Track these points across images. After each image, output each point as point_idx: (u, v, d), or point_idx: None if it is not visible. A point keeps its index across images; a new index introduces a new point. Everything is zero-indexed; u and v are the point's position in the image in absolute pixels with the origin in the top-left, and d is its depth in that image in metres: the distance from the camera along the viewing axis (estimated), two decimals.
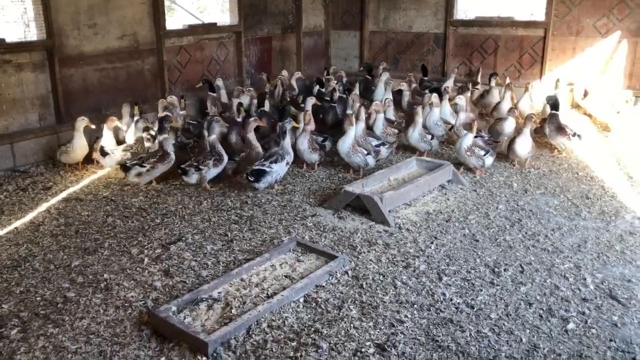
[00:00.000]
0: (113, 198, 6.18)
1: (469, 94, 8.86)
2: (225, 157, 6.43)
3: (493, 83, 9.35)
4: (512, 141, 7.01)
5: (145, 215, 5.74)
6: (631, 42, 9.64)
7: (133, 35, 8.49)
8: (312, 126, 6.95)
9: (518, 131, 7.09)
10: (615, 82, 9.81)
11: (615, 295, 4.24)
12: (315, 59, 12.29)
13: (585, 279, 4.47)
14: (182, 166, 6.29)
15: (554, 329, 3.85)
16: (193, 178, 6.31)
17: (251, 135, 6.59)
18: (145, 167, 6.28)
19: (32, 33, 7.47)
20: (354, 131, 6.61)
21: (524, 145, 6.87)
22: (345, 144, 6.58)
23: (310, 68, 11.88)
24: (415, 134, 7.26)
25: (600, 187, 6.42)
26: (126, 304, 4.15)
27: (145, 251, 4.96)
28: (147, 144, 6.90)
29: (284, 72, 10.22)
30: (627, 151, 7.54)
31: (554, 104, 7.50)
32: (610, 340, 3.72)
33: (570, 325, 3.88)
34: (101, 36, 8.02)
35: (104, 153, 6.75)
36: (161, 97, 8.95)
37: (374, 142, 7.01)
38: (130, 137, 7.20)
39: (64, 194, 6.29)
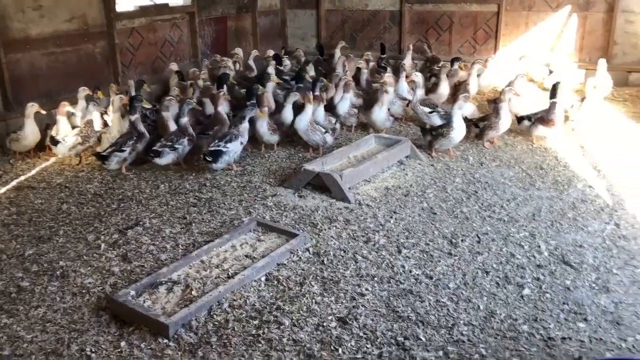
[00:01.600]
0: (67, 185, 6.03)
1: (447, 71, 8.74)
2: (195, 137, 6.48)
3: (456, 66, 9.21)
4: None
5: (101, 201, 5.62)
6: (580, 15, 9.86)
7: (82, 17, 8.22)
8: (271, 108, 6.89)
9: (497, 110, 6.86)
10: (566, 56, 10.04)
11: (567, 261, 4.37)
12: (272, 39, 12.17)
13: (539, 247, 4.60)
14: (155, 148, 6.20)
15: (510, 295, 3.95)
16: (168, 158, 6.24)
17: (221, 109, 6.56)
18: (125, 151, 6.18)
19: None
20: (311, 109, 6.59)
21: (508, 120, 6.86)
22: (302, 122, 6.56)
23: (267, 48, 11.74)
24: (382, 114, 7.25)
25: (554, 157, 6.58)
26: (83, 291, 4.07)
27: (102, 237, 4.87)
28: (97, 127, 6.72)
29: (238, 50, 10.08)
30: (581, 123, 7.71)
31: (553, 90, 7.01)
32: (564, 304, 3.85)
33: (526, 291, 3.99)
34: (48, 19, 7.74)
35: (54, 142, 6.55)
36: (114, 81, 8.75)
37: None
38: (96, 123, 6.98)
39: (14, 183, 6.09)
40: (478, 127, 6.98)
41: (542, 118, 6.89)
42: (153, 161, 6.28)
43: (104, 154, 6.20)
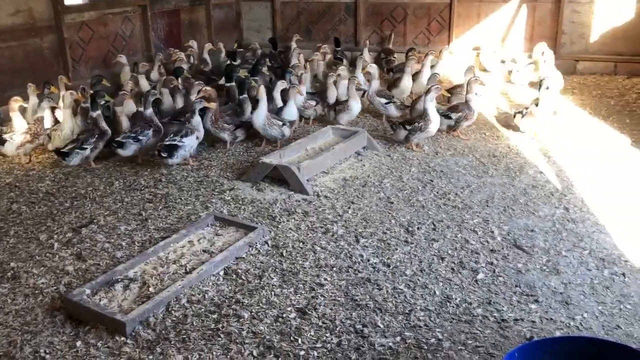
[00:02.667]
0: (17, 184, 5.85)
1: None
2: (162, 129, 6.42)
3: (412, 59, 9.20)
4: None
5: (53, 199, 5.48)
6: (530, 6, 10.11)
7: (28, 11, 7.97)
8: (216, 103, 6.80)
9: (468, 101, 6.92)
10: (516, 46, 10.29)
11: (520, 245, 4.50)
12: (227, 32, 12.04)
13: (492, 232, 4.72)
14: (118, 139, 6.11)
15: (465, 280, 4.05)
16: (130, 150, 6.16)
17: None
18: (86, 148, 6.08)
19: None
20: (266, 104, 6.56)
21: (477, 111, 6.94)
22: (260, 117, 6.53)
23: (222, 41, 11.61)
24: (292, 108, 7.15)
25: (506, 145, 6.75)
26: (36, 291, 3.97)
27: (55, 236, 4.75)
28: (47, 124, 6.54)
29: (192, 43, 9.95)
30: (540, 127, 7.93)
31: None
32: (516, 286, 3.97)
33: (480, 276, 4.09)
34: None
35: (1, 140, 6.34)
36: (65, 77, 8.51)
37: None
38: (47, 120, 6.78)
39: None
40: (450, 118, 6.98)
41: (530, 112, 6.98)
42: (116, 152, 6.20)
43: (65, 150, 6.07)
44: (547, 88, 6.94)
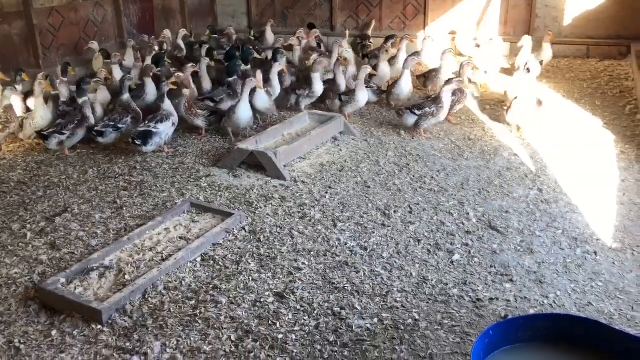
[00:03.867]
0: None
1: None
2: (141, 115, 6.38)
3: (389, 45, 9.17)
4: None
5: (25, 189, 5.39)
6: None
7: None
8: (191, 90, 6.72)
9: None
10: (491, 29, 10.34)
11: (494, 226, 4.56)
12: (202, 17, 11.88)
13: (468, 214, 4.77)
14: (97, 128, 6.07)
15: (441, 261, 4.10)
16: (110, 138, 6.13)
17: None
18: (64, 134, 6.04)
19: None
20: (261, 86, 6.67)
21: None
22: (262, 98, 6.70)
23: (196, 27, 11.47)
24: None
25: (481, 129, 6.80)
26: (9, 282, 3.91)
27: (28, 226, 4.68)
28: (19, 113, 6.41)
29: (166, 32, 9.79)
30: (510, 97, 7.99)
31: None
32: (491, 267, 4.02)
33: (456, 257, 4.14)
34: None
35: None
36: (36, 64, 8.35)
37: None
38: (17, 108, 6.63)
39: None
40: None
41: None
42: (96, 140, 6.15)
43: (45, 133, 6.04)
44: (528, 71, 6.93)
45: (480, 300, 3.65)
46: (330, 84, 7.40)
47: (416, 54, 7.91)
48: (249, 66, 7.64)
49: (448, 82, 6.44)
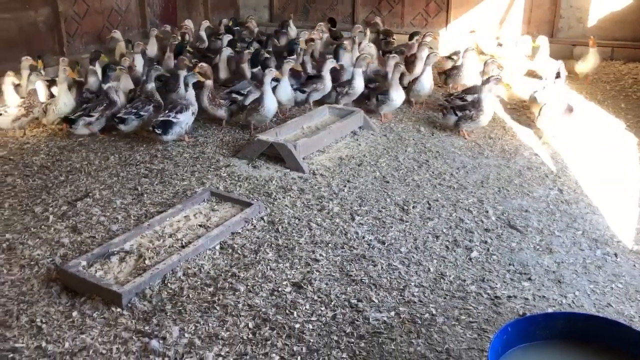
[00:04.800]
0: (11, 157, 5.82)
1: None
2: (162, 104, 6.43)
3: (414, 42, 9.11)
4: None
5: (48, 173, 5.46)
6: None
7: None
8: (211, 80, 6.74)
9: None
10: (515, 29, 10.25)
11: (514, 225, 4.54)
12: (224, 9, 11.92)
13: (487, 212, 4.75)
14: (119, 115, 6.15)
15: (459, 257, 4.09)
16: (132, 125, 6.20)
17: (245, 65, 7.06)
18: (93, 116, 6.15)
19: None
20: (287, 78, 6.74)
21: None
22: (286, 90, 6.74)
23: (218, 18, 11.51)
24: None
25: (502, 127, 6.75)
26: (32, 263, 3.98)
27: (50, 209, 4.75)
28: (41, 98, 6.49)
29: (188, 22, 9.84)
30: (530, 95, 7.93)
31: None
32: (510, 265, 4.01)
33: (474, 254, 4.13)
34: None
35: None
36: (60, 51, 8.44)
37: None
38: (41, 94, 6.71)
39: None
40: (466, 100, 6.79)
41: None
42: (118, 128, 6.23)
43: (72, 117, 6.15)
44: (558, 76, 6.52)
45: (498, 297, 3.64)
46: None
47: (433, 55, 7.68)
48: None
49: (486, 81, 6.22)
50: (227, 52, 7.62)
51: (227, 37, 8.58)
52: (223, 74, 7.63)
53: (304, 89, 7.19)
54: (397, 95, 6.74)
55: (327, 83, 7.13)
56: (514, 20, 10.29)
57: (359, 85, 7.05)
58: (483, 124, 6.33)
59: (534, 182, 5.32)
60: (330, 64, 7.13)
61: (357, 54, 8.20)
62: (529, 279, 3.84)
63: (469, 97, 6.79)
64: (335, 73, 7.31)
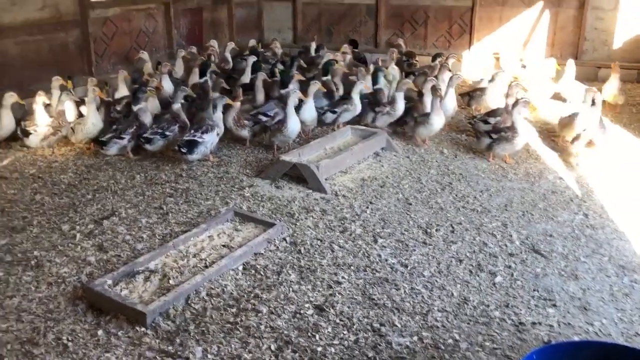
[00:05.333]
0: (40, 175, 5.95)
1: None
2: (188, 125, 6.49)
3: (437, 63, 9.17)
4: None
5: (75, 191, 5.57)
6: (552, 12, 10.04)
7: (55, 5, 8.10)
8: (238, 103, 6.83)
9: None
10: (538, 51, 10.23)
11: (538, 249, 4.49)
12: (249, 31, 12.11)
13: (511, 236, 4.71)
14: (145, 135, 6.26)
15: (483, 282, 4.05)
16: (158, 145, 6.32)
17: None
18: (124, 138, 6.28)
19: None
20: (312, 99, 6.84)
21: None
22: (312, 112, 6.85)
23: (243, 40, 11.70)
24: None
25: (525, 150, 6.71)
26: (59, 280, 4.04)
27: (77, 227, 4.83)
28: (70, 118, 6.64)
29: (213, 42, 10.01)
30: (553, 116, 7.89)
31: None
32: (534, 290, 3.96)
33: (498, 279, 4.09)
34: (19, 6, 7.61)
35: (25, 133, 6.47)
36: (88, 71, 8.65)
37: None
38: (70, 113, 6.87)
39: None
40: (488, 123, 6.81)
41: None
42: (144, 147, 6.34)
43: (103, 139, 6.29)
44: (593, 102, 6.43)
45: (523, 323, 3.60)
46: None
47: (456, 77, 7.68)
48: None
49: (515, 103, 6.18)
50: (262, 76, 7.65)
51: (252, 59, 8.69)
52: (260, 97, 7.59)
53: (335, 110, 7.25)
54: (438, 120, 6.58)
55: (357, 104, 7.19)
56: (537, 43, 10.28)
57: (399, 108, 6.99)
58: (519, 147, 6.21)
59: (559, 206, 5.27)
60: (359, 85, 7.20)
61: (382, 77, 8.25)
62: (554, 305, 3.79)
63: (492, 120, 6.80)
64: (375, 95, 7.35)
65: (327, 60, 8.24)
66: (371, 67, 8.34)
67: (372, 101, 7.30)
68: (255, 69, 8.19)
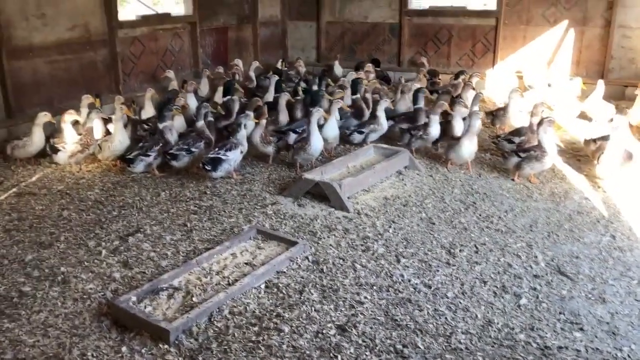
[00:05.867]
0: (68, 192, 6.06)
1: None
2: (213, 141, 6.59)
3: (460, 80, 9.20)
4: None
5: (101, 207, 5.66)
6: (578, 30, 9.97)
7: (84, 25, 8.30)
8: (264, 121, 6.90)
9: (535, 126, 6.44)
10: (563, 70, 10.15)
11: (564, 271, 4.42)
12: (273, 50, 12.27)
13: (536, 257, 4.64)
14: (171, 151, 6.37)
15: (508, 304, 4.00)
16: (183, 162, 6.41)
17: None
18: (150, 155, 6.40)
19: None
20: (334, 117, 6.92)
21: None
22: (335, 130, 6.91)
23: (267, 59, 11.84)
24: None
25: (551, 170, 6.63)
26: (84, 296, 4.10)
27: (103, 243, 4.90)
28: (98, 135, 6.77)
29: (238, 61, 10.14)
30: (579, 136, 7.80)
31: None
32: (560, 313, 3.89)
33: (523, 301, 4.03)
34: (51, 27, 7.82)
35: (54, 149, 6.61)
36: (116, 89, 8.82)
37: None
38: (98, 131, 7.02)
39: (16, 189, 6.13)
40: (513, 142, 6.79)
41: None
42: (170, 164, 6.43)
43: (130, 157, 6.39)
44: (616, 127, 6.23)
45: (548, 347, 3.53)
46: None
47: (478, 96, 7.67)
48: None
49: (540, 122, 6.12)
50: (285, 97, 7.72)
51: (275, 78, 8.79)
52: (283, 117, 7.64)
53: (362, 130, 7.27)
54: (468, 146, 6.33)
55: (383, 123, 7.21)
56: (562, 61, 10.21)
57: (434, 132, 6.89)
58: (548, 166, 6.13)
59: (585, 227, 5.18)
60: (384, 103, 7.24)
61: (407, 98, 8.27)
62: (581, 329, 3.72)
63: (517, 139, 6.75)
64: (412, 115, 7.38)
65: (355, 79, 8.29)
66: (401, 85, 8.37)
67: (411, 119, 7.30)
68: (278, 89, 8.28)
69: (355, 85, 8.00)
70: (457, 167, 6.67)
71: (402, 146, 7.01)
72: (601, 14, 9.76)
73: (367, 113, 7.70)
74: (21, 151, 6.72)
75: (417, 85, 8.43)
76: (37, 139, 6.69)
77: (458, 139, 6.46)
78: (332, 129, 6.88)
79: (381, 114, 7.20)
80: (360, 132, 7.27)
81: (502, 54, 10.64)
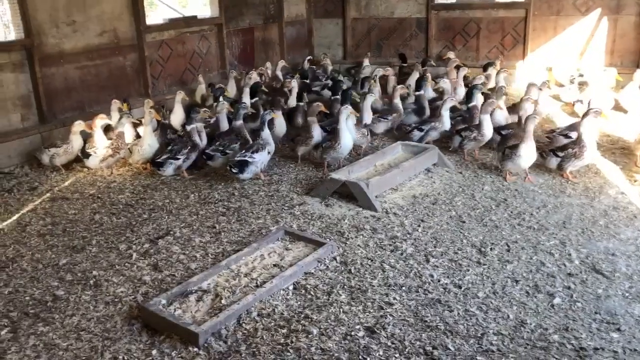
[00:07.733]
0: (99, 195, 6.17)
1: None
2: (249, 142, 6.59)
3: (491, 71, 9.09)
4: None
5: (132, 211, 5.74)
6: (611, 19, 9.70)
7: (113, 31, 8.42)
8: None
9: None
10: (597, 60, 9.88)
11: (599, 269, 4.30)
12: (299, 49, 12.26)
13: (570, 255, 4.53)
14: (207, 151, 6.45)
15: (541, 304, 3.90)
16: (218, 162, 6.47)
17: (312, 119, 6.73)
18: (179, 158, 6.46)
19: (12, 34, 7.39)
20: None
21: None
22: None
23: (294, 58, 11.84)
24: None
25: (585, 164, 6.45)
26: (116, 300, 4.16)
27: (134, 246, 4.97)
28: (128, 139, 6.86)
29: (268, 64, 10.19)
30: (613, 128, 7.59)
31: None
32: (596, 313, 3.78)
33: (556, 300, 3.93)
34: (80, 33, 7.95)
35: (85, 154, 6.73)
36: (145, 93, 8.93)
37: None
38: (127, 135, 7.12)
39: (50, 194, 6.26)
40: (570, 137, 6.53)
41: None
42: (207, 163, 6.53)
43: (159, 160, 6.47)
44: None
45: (584, 349, 3.44)
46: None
47: (501, 89, 7.55)
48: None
49: (585, 114, 5.89)
50: (318, 107, 7.62)
51: (296, 81, 8.81)
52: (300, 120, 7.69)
53: (422, 127, 7.14)
54: (527, 153, 5.88)
55: (446, 122, 7.05)
56: (595, 51, 9.94)
57: (488, 132, 6.54)
58: (589, 161, 5.94)
59: (621, 223, 5.03)
60: (449, 102, 7.08)
61: (430, 90, 8.18)
62: (618, 329, 3.61)
63: (573, 134, 6.43)
64: (468, 112, 7.17)
65: (421, 76, 8.19)
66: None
67: (465, 119, 7.14)
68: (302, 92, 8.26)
69: (419, 82, 7.90)
70: (516, 177, 6.18)
71: (453, 150, 6.90)
72: (636, 1, 9.47)
73: (427, 111, 7.61)
74: (62, 158, 6.86)
75: (444, 80, 8.31)
76: (76, 147, 6.83)
77: (514, 147, 5.98)
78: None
79: (445, 113, 7.01)
80: (420, 130, 7.15)
81: (532, 46, 10.42)
